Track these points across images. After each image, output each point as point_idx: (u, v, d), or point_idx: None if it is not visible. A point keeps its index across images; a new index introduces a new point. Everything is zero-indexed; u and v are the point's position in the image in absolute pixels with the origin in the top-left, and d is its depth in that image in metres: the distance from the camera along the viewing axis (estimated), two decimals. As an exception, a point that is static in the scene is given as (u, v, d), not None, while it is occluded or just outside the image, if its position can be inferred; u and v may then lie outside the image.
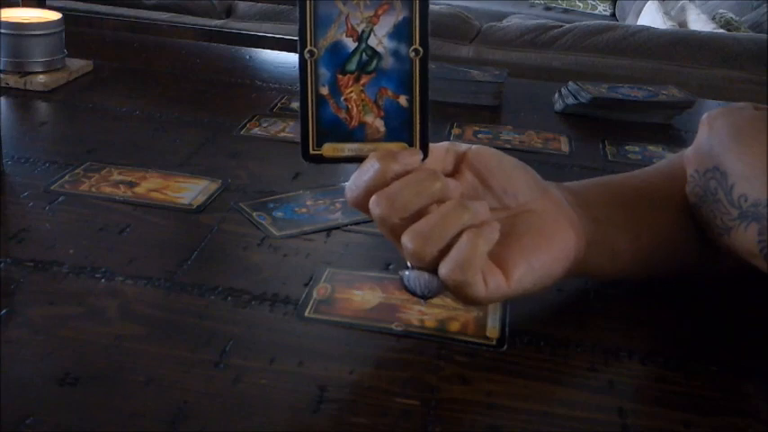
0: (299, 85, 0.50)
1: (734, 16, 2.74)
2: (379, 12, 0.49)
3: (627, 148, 0.93)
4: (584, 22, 2.27)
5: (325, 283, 0.57)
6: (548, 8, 4.44)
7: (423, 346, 0.51)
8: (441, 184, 0.48)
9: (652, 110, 1.03)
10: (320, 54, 0.49)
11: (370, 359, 0.50)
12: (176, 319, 0.52)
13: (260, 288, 0.56)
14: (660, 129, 1.02)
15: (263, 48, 1.35)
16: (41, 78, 0.95)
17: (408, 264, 0.49)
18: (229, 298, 0.54)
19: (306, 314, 0.53)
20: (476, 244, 0.47)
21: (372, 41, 0.49)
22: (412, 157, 0.48)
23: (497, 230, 0.48)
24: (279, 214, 0.67)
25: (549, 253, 0.51)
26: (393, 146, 0.50)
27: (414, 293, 0.49)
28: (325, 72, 0.49)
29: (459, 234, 0.47)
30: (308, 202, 0.69)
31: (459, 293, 0.48)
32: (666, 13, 2.93)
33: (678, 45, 2.09)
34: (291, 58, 1.22)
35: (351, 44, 0.49)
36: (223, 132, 0.86)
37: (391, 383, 0.47)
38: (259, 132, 0.87)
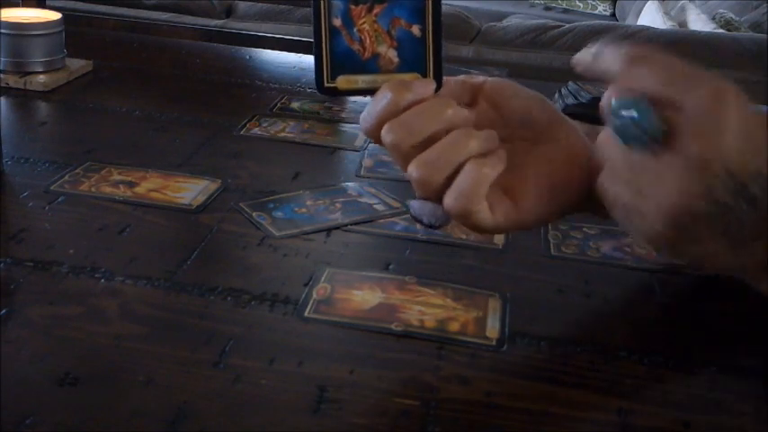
0: (311, 18, 0.49)
1: (734, 16, 2.74)
2: None
3: (627, 148, 0.93)
4: (584, 22, 2.27)
5: (324, 283, 0.57)
6: (548, 8, 4.44)
7: (423, 346, 0.51)
8: (452, 110, 0.47)
9: (652, 110, 1.03)
10: None
11: (370, 359, 0.50)
12: (176, 319, 0.52)
13: (260, 288, 0.56)
14: (660, 129, 1.01)
15: (263, 48, 1.35)
16: (41, 78, 0.95)
17: (417, 195, 0.49)
18: (229, 298, 0.54)
19: (306, 314, 0.53)
20: (480, 172, 0.46)
21: None
22: (425, 87, 0.48)
23: (504, 159, 0.48)
24: (279, 214, 0.67)
25: (562, 182, 0.51)
26: (407, 77, 0.50)
27: (420, 222, 0.49)
28: (337, 3, 0.49)
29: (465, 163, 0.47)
30: (308, 202, 0.69)
31: (466, 223, 0.48)
32: (666, 13, 2.93)
33: (678, 45, 2.09)
34: (291, 58, 1.22)
35: None
36: (223, 132, 0.86)
37: (391, 383, 0.47)
38: (259, 132, 0.87)
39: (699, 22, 2.70)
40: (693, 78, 0.44)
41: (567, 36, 2.14)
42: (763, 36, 2.27)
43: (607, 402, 0.47)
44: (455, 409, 0.45)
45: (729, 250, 0.45)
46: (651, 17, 2.99)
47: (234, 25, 2.43)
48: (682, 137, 0.43)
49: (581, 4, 4.44)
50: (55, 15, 1.00)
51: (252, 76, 1.12)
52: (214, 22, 2.45)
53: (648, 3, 3.24)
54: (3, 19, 0.95)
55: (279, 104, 0.97)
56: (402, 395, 0.46)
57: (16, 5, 1.24)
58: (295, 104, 0.97)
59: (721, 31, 2.50)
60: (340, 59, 0.50)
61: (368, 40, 0.50)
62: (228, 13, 2.61)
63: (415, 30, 0.50)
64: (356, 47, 0.50)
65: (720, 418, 0.47)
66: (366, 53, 0.50)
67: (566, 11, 4.41)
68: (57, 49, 0.98)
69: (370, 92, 0.50)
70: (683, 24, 2.79)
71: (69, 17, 1.04)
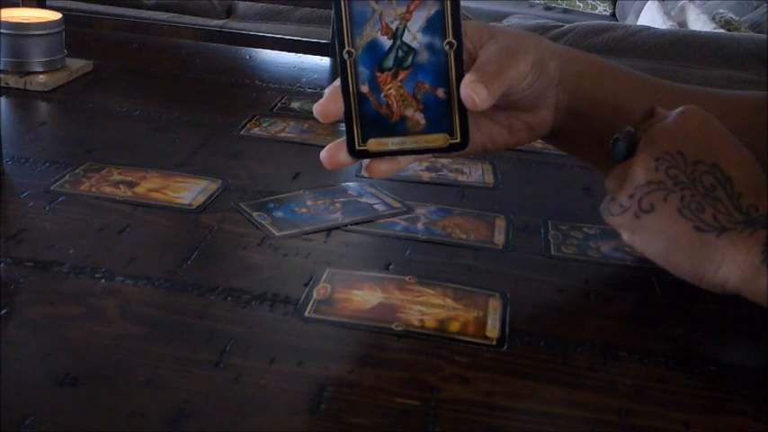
0: (340, 83, 0.51)
1: (734, 16, 2.74)
2: (411, 7, 0.50)
3: (627, 148, 0.93)
4: (584, 22, 2.27)
5: (325, 283, 0.57)
6: (548, 8, 4.44)
7: (423, 346, 0.51)
8: None
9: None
10: (358, 53, 0.51)
11: (370, 359, 0.50)
12: (176, 319, 0.52)
13: (260, 288, 0.56)
14: (660, 129, 1.01)
15: (263, 48, 1.35)
16: (41, 78, 0.95)
17: None
18: (229, 298, 0.54)
19: (306, 314, 0.53)
20: None
21: (407, 38, 0.51)
22: None
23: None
24: (279, 214, 0.67)
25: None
26: (434, 137, 0.52)
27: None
28: (363, 70, 0.51)
29: None
30: (308, 202, 0.69)
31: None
32: (666, 13, 2.93)
33: (678, 45, 2.09)
34: (291, 58, 1.22)
35: (386, 42, 0.51)
36: (223, 132, 0.86)
37: (391, 383, 0.47)
38: (259, 132, 0.87)
39: (699, 22, 2.70)
40: None
41: (567, 36, 2.14)
42: (763, 36, 2.27)
43: (607, 402, 0.47)
44: (455, 409, 0.45)
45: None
46: (651, 17, 2.99)
47: (234, 25, 2.44)
48: None
49: (581, 4, 4.43)
50: (55, 15, 1.00)
51: (252, 76, 1.12)
52: (214, 22, 2.45)
53: (648, 3, 3.24)
54: (3, 19, 0.95)
55: (279, 104, 0.97)
56: (402, 395, 0.46)
57: (16, 5, 1.24)
58: (295, 104, 0.97)
59: (721, 31, 2.50)
60: (369, 124, 0.52)
61: (395, 105, 0.52)
62: (228, 13, 2.61)
63: (440, 92, 0.52)
64: (384, 111, 0.52)
65: (720, 418, 0.47)
66: (394, 116, 0.52)
67: (566, 11, 4.41)
68: (57, 49, 0.98)
69: (400, 153, 0.53)
70: (683, 24, 2.79)
71: (69, 17, 1.04)
